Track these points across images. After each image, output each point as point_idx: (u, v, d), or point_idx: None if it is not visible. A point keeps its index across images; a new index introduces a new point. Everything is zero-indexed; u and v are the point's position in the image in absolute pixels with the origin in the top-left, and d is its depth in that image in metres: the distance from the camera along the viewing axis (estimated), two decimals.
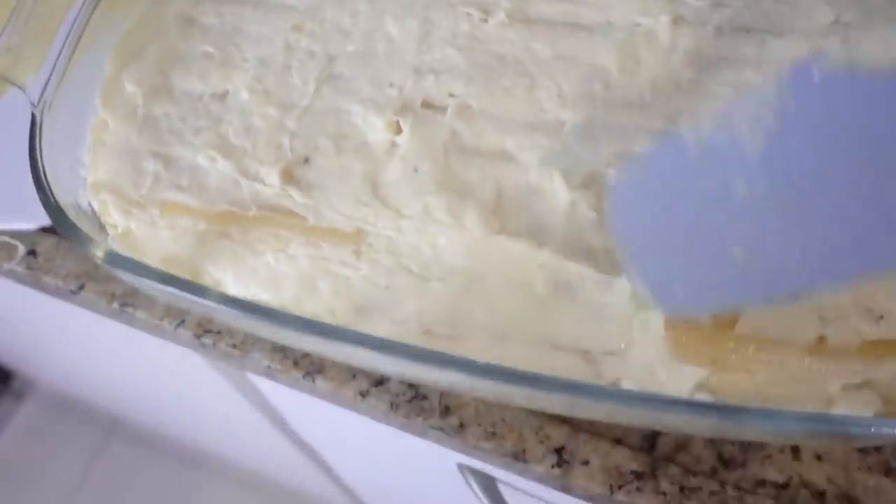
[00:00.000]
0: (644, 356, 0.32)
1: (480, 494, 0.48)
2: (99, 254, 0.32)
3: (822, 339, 0.32)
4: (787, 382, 0.31)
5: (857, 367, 0.31)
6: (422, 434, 0.38)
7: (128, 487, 1.41)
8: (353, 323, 0.34)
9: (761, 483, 0.36)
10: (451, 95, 0.37)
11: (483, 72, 0.38)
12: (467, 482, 0.49)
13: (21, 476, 1.43)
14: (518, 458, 0.36)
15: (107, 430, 1.46)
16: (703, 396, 0.31)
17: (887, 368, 0.31)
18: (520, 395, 0.31)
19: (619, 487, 0.35)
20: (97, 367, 0.98)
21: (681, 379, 0.31)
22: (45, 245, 0.43)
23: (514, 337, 0.33)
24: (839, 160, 0.22)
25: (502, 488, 0.49)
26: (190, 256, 0.35)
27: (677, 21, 0.38)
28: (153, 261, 0.35)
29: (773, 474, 0.36)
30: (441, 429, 0.37)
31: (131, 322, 0.42)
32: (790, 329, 0.32)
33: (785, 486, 0.36)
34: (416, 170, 0.36)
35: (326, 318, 0.34)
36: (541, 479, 0.37)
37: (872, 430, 0.26)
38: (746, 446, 0.37)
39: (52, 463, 1.44)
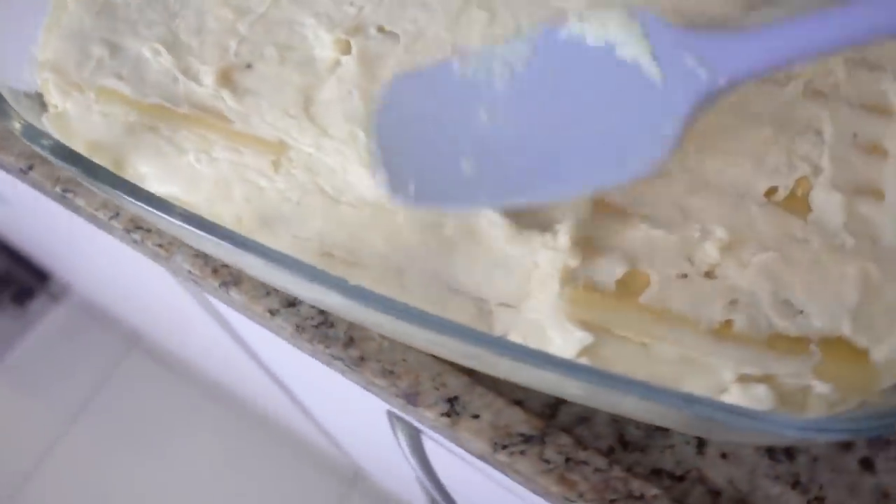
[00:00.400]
0: (538, 313, 0.30)
1: (404, 444, 0.48)
2: (17, 125, 0.32)
3: (728, 323, 0.30)
4: (680, 362, 0.29)
5: (759, 358, 0.29)
6: (327, 363, 0.38)
7: (139, 400, 1.45)
8: (255, 232, 0.33)
9: (657, 471, 0.34)
10: (413, 22, 0.36)
11: (446, 4, 0.36)
12: (394, 431, 0.48)
13: (42, 375, 1.49)
14: (410, 400, 0.35)
15: (129, 344, 1.51)
16: (581, 360, 0.29)
17: (791, 365, 0.29)
18: (385, 325, 0.30)
19: (503, 447, 0.34)
20: (123, 278, 1.00)
21: (569, 341, 0.30)
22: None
23: (413, 273, 0.32)
24: (560, 102, 0.30)
25: (426, 443, 0.48)
26: (116, 145, 0.35)
27: None
28: (80, 143, 0.35)
29: (671, 465, 0.34)
30: (342, 359, 0.36)
31: (74, 209, 0.42)
32: (696, 306, 0.30)
33: (681, 478, 0.34)
34: (350, 93, 0.35)
35: (232, 225, 0.33)
36: (432, 427, 0.36)
37: (732, 421, 0.24)
38: (652, 432, 0.35)
39: (72, 367, 1.49)
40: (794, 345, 0.30)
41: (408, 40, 0.36)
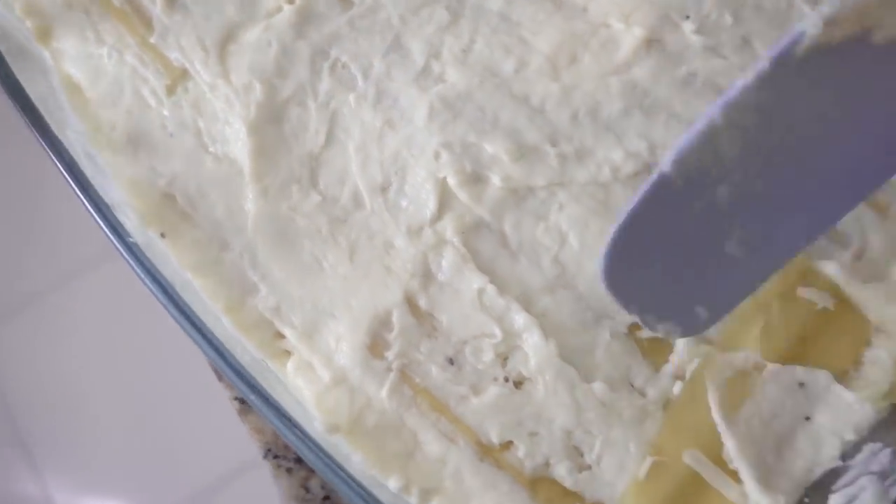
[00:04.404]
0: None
1: None
2: None
3: (505, 446, 0.27)
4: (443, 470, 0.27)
5: (511, 495, 0.26)
6: None
7: None
8: (120, 149, 0.32)
9: None
10: None
11: None
12: None
13: None
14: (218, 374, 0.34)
15: None
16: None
17: None
18: None
19: (275, 457, 0.32)
20: None
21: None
22: None
23: (234, 254, 0.30)
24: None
25: None
26: (51, 14, 0.34)
27: (651, 44, 0.32)
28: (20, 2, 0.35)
29: None
30: None
31: None
32: (484, 414, 0.27)
33: None
34: (270, 44, 0.32)
35: (104, 128, 0.32)
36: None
37: None
38: None
39: None
40: (561, 497, 0.26)
41: (358, 13, 0.33)
